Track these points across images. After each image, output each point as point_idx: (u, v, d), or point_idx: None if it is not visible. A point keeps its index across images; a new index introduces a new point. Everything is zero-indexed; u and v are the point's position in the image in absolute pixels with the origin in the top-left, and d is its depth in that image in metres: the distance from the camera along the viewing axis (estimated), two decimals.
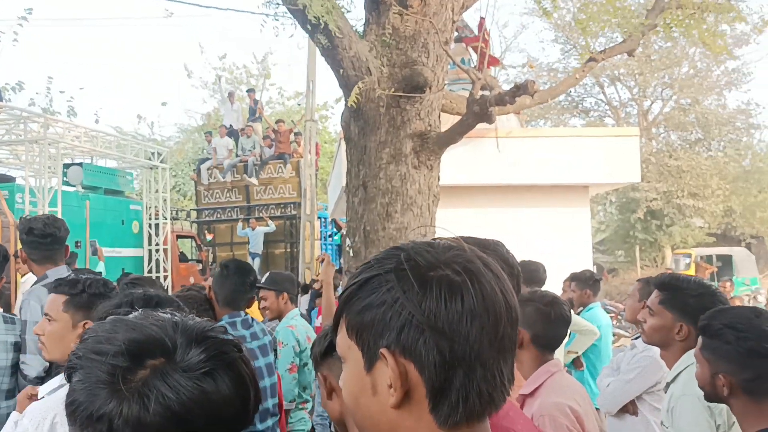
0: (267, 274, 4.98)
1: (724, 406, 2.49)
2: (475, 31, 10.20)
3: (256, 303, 4.81)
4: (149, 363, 0.87)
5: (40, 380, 3.34)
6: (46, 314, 2.50)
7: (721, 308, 2.40)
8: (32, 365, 3.38)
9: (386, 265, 0.93)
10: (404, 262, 0.91)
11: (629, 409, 3.71)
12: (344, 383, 0.98)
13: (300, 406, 4.70)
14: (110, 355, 0.87)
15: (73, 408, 0.88)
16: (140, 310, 0.99)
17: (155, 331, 0.91)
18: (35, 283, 3.68)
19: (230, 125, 19.54)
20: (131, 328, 0.91)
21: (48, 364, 3.44)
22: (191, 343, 0.91)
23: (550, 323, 2.48)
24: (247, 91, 22.26)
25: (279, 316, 4.81)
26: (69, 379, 0.91)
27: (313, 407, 5.48)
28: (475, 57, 10.30)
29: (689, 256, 23.68)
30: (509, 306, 0.93)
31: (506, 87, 6.89)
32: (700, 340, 2.26)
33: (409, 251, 0.93)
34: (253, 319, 3.84)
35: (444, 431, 0.90)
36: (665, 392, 2.76)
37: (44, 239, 3.66)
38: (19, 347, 3.42)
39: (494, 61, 11.23)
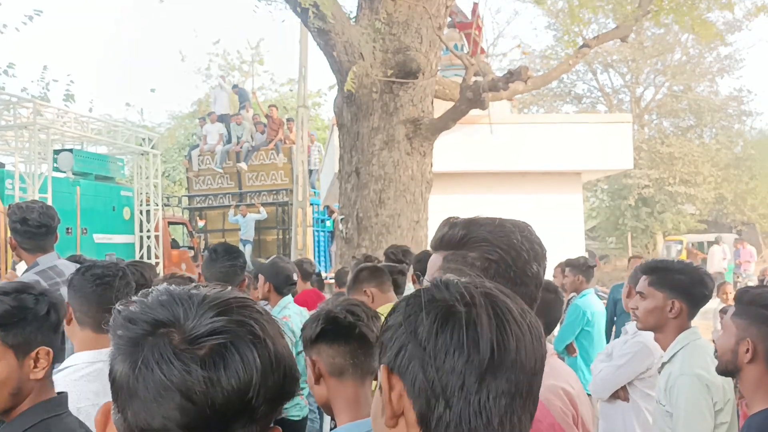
0: (271, 258, 4.98)
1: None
2: (469, 17, 10.16)
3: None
4: (162, 330, 0.86)
5: None
6: None
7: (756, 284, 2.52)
8: None
9: (417, 291, 0.95)
10: (424, 290, 0.94)
11: (620, 395, 3.73)
12: (373, 401, 1.00)
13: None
14: (135, 327, 0.88)
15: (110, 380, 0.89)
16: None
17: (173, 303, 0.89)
18: (26, 270, 3.65)
19: (221, 113, 19.46)
20: (158, 305, 0.89)
21: None
22: (204, 313, 0.88)
23: (548, 306, 2.48)
24: (232, 87, 22.03)
25: (266, 299, 4.80)
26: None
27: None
28: (467, 43, 10.26)
29: (681, 242, 23.80)
30: (508, 350, 0.89)
31: (499, 73, 6.86)
32: (732, 308, 2.32)
33: (439, 279, 0.95)
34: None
35: None
36: (660, 373, 2.79)
37: (38, 230, 3.63)
38: None
39: (480, 51, 11.20)
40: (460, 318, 0.88)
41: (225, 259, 3.78)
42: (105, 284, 2.41)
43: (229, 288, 0.95)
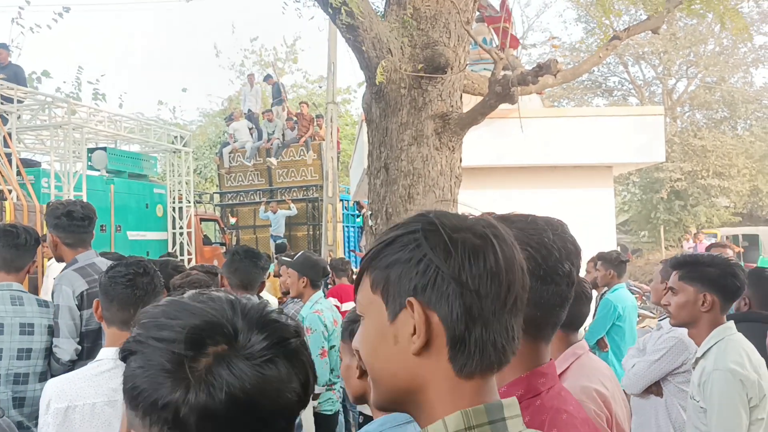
0: (300, 253, 5.02)
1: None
2: (498, 11, 10.10)
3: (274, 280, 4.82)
4: (212, 350, 0.87)
5: (72, 363, 3.40)
6: None
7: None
8: (65, 348, 3.44)
9: (411, 227, 1.01)
10: (430, 224, 1.00)
11: (654, 390, 3.71)
12: (363, 336, 1.05)
13: (328, 387, 4.75)
14: (174, 342, 0.86)
15: (135, 393, 0.87)
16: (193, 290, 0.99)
17: (215, 316, 0.90)
18: (65, 267, 3.72)
19: (248, 110, 19.58)
20: (191, 313, 0.90)
21: (80, 347, 3.50)
22: (252, 328, 0.91)
23: (575, 302, 2.46)
24: (264, 78, 22.22)
25: (299, 296, 4.85)
26: (124, 360, 0.91)
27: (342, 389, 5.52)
28: (496, 37, 10.20)
29: (715, 236, 23.44)
30: (522, 270, 1.02)
31: (528, 67, 6.82)
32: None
33: (435, 214, 1.02)
34: (267, 303, 3.88)
35: (460, 379, 0.98)
36: (694, 368, 2.77)
37: (83, 222, 3.71)
38: (52, 331, 3.48)
39: (515, 42, 11.11)
40: (487, 249, 0.99)
41: (247, 261, 3.84)
42: (126, 283, 2.45)
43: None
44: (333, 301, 6.48)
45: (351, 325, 2.22)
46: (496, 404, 0.99)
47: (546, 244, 1.43)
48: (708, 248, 5.57)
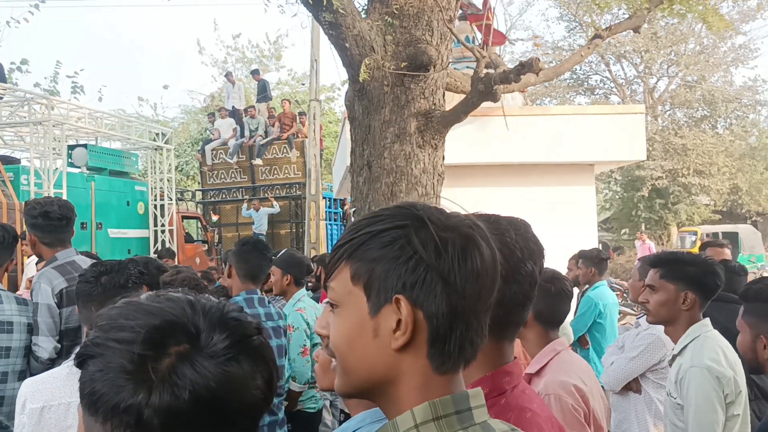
0: (284, 251, 5.01)
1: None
2: (480, 9, 10.12)
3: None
4: (174, 349, 0.85)
5: (51, 362, 3.38)
6: None
7: (756, 279, 2.49)
8: (44, 347, 3.42)
9: (399, 221, 1.01)
10: (421, 220, 1.00)
11: (633, 386, 3.73)
12: (338, 327, 1.04)
13: (311, 386, 4.74)
14: (132, 343, 0.84)
15: (94, 399, 0.84)
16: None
17: (175, 315, 0.88)
18: (45, 265, 3.69)
19: (232, 107, 19.49)
20: (150, 313, 0.88)
21: (59, 345, 3.47)
22: (214, 327, 0.89)
23: (552, 299, 2.48)
24: (251, 72, 22.13)
25: (282, 293, 4.85)
26: (81, 366, 0.88)
27: None
28: (479, 35, 10.22)
29: (695, 233, 23.66)
30: (497, 270, 1.05)
31: (511, 65, 6.84)
32: (742, 308, 2.33)
33: (422, 211, 1.02)
34: (269, 300, 3.88)
35: (436, 376, 1.00)
36: (671, 365, 2.80)
37: (60, 222, 3.68)
38: (31, 329, 3.46)
39: (500, 38, 11.13)
40: (473, 250, 1.00)
41: (257, 252, 3.85)
42: (101, 284, 2.44)
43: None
44: None
45: None
46: (462, 395, 1.00)
47: (508, 244, 1.45)
48: (702, 247, 5.60)
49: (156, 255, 11.95)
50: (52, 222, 3.64)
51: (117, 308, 0.91)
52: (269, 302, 3.89)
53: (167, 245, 15.51)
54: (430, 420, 0.97)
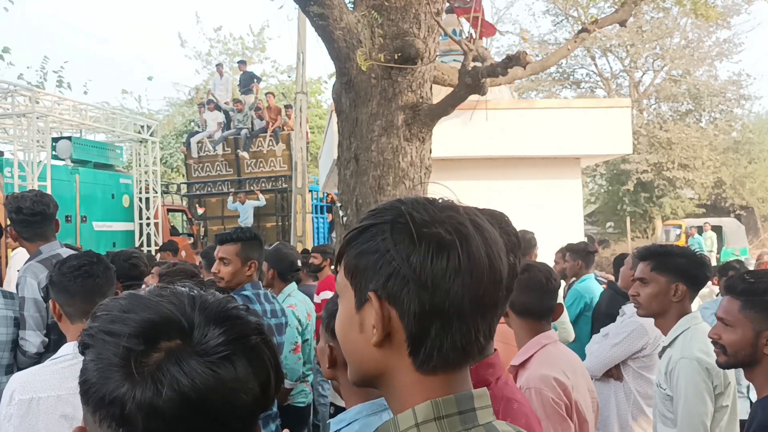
0: (275, 245, 4.97)
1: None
2: (467, 1, 10.11)
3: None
4: (164, 345, 0.83)
5: (39, 356, 3.36)
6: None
7: (751, 271, 2.49)
8: (31, 341, 3.40)
9: (385, 216, 1.00)
10: (401, 216, 0.98)
11: (614, 374, 3.75)
12: (339, 317, 1.06)
13: (301, 381, 4.72)
14: (123, 337, 0.83)
15: (86, 387, 0.84)
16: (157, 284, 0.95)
17: (172, 310, 0.86)
18: (30, 259, 3.66)
19: (217, 100, 19.36)
20: (146, 306, 0.86)
21: (47, 339, 3.45)
22: (210, 322, 0.86)
23: (541, 292, 2.48)
24: (238, 62, 22.00)
25: (269, 287, 4.81)
26: (82, 353, 0.88)
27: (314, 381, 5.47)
28: (467, 28, 10.22)
29: (680, 227, 23.83)
30: (493, 268, 0.98)
31: (498, 58, 6.85)
32: (738, 302, 2.27)
33: (409, 206, 1.00)
34: (274, 296, 3.84)
35: (421, 375, 0.98)
36: (660, 357, 2.82)
37: (33, 217, 3.64)
38: (17, 323, 3.43)
39: (491, 29, 11.14)
40: (454, 245, 0.95)
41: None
42: (84, 274, 2.44)
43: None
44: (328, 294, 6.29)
45: (332, 320, 2.20)
46: (466, 395, 0.98)
47: None
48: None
49: (158, 249, 11.91)
50: (25, 218, 3.62)
51: (118, 300, 0.90)
52: (274, 297, 3.85)
53: (152, 238, 15.44)
54: (431, 419, 0.95)
